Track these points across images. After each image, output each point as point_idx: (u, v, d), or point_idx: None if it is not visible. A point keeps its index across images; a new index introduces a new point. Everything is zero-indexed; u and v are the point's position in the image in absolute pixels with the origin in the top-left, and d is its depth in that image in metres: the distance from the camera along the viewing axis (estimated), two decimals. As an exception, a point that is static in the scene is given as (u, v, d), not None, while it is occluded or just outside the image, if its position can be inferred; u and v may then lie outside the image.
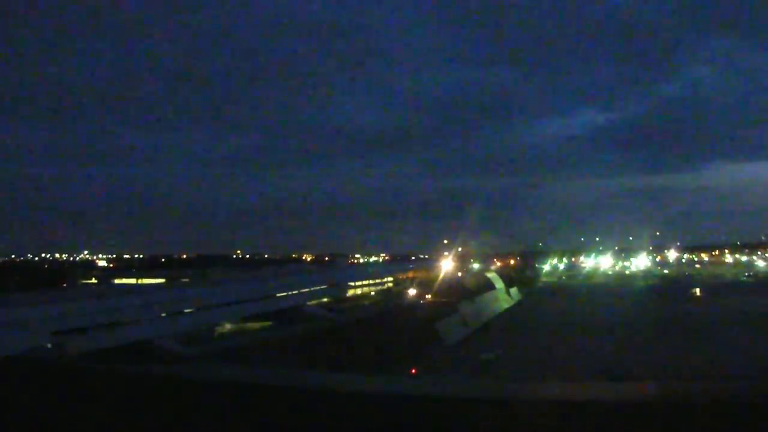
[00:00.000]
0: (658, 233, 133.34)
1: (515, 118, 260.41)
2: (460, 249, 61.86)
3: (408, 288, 44.14)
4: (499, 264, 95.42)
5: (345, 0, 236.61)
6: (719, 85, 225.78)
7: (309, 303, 18.37)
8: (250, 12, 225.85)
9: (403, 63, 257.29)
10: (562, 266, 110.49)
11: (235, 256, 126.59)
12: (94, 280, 67.70)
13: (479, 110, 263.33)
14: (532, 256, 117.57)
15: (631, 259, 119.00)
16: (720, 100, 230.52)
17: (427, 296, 38.78)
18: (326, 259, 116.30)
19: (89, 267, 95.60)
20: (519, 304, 50.79)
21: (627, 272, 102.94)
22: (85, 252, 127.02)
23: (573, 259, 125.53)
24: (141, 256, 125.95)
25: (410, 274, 53.37)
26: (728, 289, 61.63)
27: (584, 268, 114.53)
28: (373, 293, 49.78)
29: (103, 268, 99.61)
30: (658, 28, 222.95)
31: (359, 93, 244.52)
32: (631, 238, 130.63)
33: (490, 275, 56.43)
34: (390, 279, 52.65)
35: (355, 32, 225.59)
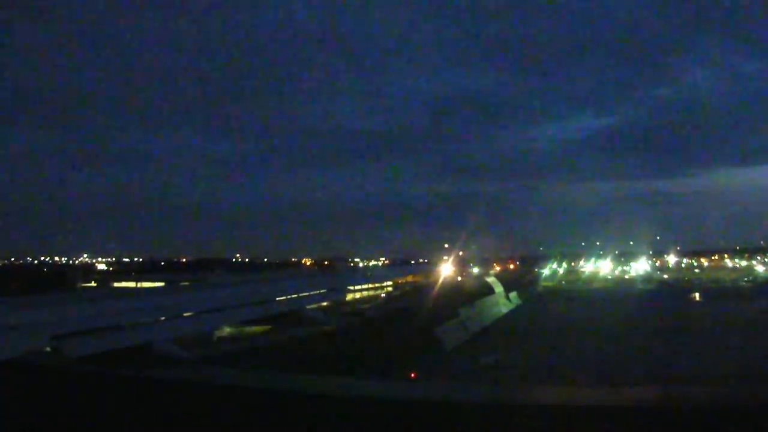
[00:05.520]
0: (658, 237, 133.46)
1: (513, 122, 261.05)
2: (460, 253, 61.79)
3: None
4: (498, 268, 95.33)
5: (343, 6, 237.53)
6: (716, 90, 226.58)
7: (308, 307, 18.26)
8: (249, 18, 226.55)
9: (402, 67, 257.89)
10: (561, 270, 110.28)
11: (234, 260, 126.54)
12: (93, 284, 67.62)
13: (478, 114, 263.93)
14: (531, 261, 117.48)
15: (631, 263, 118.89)
16: (717, 104, 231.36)
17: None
18: (326, 263, 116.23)
19: (89, 270, 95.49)
20: (518, 308, 50.69)
21: (627, 277, 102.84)
22: (85, 255, 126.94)
23: (573, 264, 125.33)
24: (140, 259, 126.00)
25: (409, 278, 53.28)
26: (727, 294, 61.57)
27: (584, 272, 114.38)
28: (372, 297, 49.73)
29: (102, 271, 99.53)
30: (654, 33, 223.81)
31: (359, 97, 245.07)
32: (631, 243, 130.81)
33: (490, 279, 56.32)
34: (389, 283, 52.53)
35: (353, 36, 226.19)
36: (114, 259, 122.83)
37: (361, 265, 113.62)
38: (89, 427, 6.18)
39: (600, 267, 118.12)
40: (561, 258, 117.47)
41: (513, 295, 54.08)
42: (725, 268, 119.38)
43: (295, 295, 18.29)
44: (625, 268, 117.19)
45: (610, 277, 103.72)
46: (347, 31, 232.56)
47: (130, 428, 6.12)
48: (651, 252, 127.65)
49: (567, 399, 7.21)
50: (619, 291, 72.26)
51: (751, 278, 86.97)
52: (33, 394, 7.26)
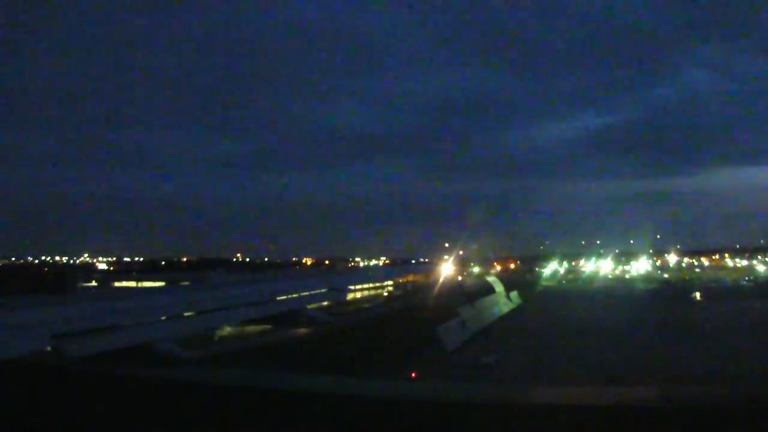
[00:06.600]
0: (658, 236, 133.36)
1: (512, 122, 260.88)
2: (460, 253, 61.80)
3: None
4: (499, 268, 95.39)
5: (343, 5, 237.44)
6: (715, 90, 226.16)
7: (309, 306, 18.29)
8: (249, 17, 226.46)
9: (401, 67, 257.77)
10: (562, 270, 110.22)
11: (235, 260, 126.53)
12: (94, 284, 67.75)
13: (477, 114, 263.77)
14: (532, 260, 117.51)
15: (632, 263, 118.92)
16: (716, 104, 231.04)
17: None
18: (326, 262, 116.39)
19: (89, 270, 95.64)
20: (519, 308, 50.68)
21: (627, 276, 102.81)
22: (86, 255, 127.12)
23: (573, 263, 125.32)
24: (141, 259, 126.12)
25: (410, 278, 53.29)
26: (728, 294, 61.54)
27: (584, 272, 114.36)
28: (373, 297, 49.76)
29: (103, 271, 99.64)
30: (653, 33, 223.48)
31: (358, 97, 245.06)
32: (631, 242, 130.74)
33: (491, 279, 56.31)
34: (390, 283, 52.56)
35: (353, 37, 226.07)
36: (114, 259, 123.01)
37: (361, 264, 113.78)
38: (89, 427, 6.19)
39: (600, 266, 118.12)
40: (561, 257, 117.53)
41: (513, 294, 54.06)
42: (726, 267, 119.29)
43: (296, 295, 18.32)
44: (625, 267, 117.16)
45: (610, 276, 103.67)
46: (348, 31, 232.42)
47: (130, 428, 6.13)
48: (651, 251, 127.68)
49: (567, 399, 7.21)
50: (619, 290, 72.23)
51: (752, 277, 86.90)
52: (33, 394, 7.27)
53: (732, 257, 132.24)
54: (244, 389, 7.58)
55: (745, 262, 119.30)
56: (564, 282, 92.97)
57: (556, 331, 35.19)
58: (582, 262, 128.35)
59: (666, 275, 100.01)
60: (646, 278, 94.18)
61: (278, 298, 17.20)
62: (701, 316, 43.36)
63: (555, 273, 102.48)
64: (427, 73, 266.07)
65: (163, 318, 12.67)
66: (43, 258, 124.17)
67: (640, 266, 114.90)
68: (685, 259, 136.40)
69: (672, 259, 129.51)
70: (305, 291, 19.25)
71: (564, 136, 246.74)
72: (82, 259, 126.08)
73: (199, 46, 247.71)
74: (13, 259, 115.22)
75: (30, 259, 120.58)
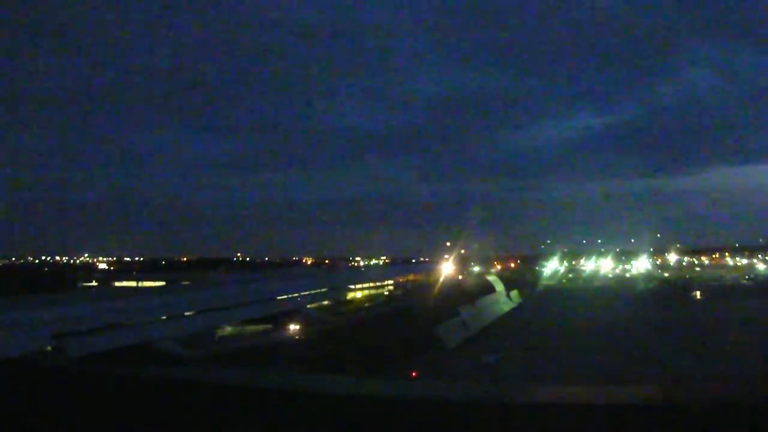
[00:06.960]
0: (658, 235, 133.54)
1: (513, 122, 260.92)
2: (461, 252, 61.74)
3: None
4: (499, 267, 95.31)
5: (341, 3, 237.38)
6: (716, 89, 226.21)
7: (309, 306, 18.30)
8: (246, 16, 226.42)
9: (400, 67, 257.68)
10: (562, 269, 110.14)
11: (235, 259, 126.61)
12: (94, 283, 67.82)
13: (477, 113, 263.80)
14: (532, 259, 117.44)
15: (632, 261, 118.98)
16: (717, 103, 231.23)
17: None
18: (326, 262, 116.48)
19: (90, 270, 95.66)
20: (519, 307, 50.68)
21: (627, 275, 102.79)
22: (86, 255, 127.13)
23: (573, 262, 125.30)
24: (141, 258, 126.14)
25: (410, 277, 53.29)
26: (728, 292, 61.51)
27: (584, 271, 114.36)
28: (373, 296, 49.80)
29: (103, 270, 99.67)
30: (654, 32, 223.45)
31: (358, 97, 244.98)
32: (632, 241, 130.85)
33: (491, 278, 56.26)
34: (390, 282, 52.56)
35: (351, 35, 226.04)
36: (115, 258, 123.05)
37: (362, 264, 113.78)
38: (89, 427, 6.20)
39: (601, 265, 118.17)
40: (562, 257, 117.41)
41: (514, 293, 54.06)
42: (726, 266, 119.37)
43: (296, 295, 18.32)
44: (625, 266, 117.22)
45: (610, 275, 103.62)
46: (348, 31, 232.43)
47: (130, 428, 6.13)
48: (651, 250, 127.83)
49: (567, 398, 7.22)
50: (619, 289, 72.17)
51: (752, 276, 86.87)
52: (33, 394, 7.28)
53: (732, 256, 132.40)
54: (244, 389, 7.59)
55: (745, 261, 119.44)
56: (564, 281, 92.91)
57: (557, 331, 35.21)
58: (582, 261, 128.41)
59: (666, 274, 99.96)
60: (647, 277, 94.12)
61: (278, 298, 17.20)
62: (702, 315, 43.35)
63: (555, 272, 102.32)
64: (427, 72, 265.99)
65: (164, 317, 12.68)
66: (43, 258, 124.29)
67: (641, 265, 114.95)
68: (685, 258, 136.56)
69: (672, 257, 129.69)
70: (305, 291, 19.24)
71: (564, 136, 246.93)
72: (82, 258, 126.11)
73: (200, 46, 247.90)
74: (13, 259, 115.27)
75: (30, 259, 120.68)
